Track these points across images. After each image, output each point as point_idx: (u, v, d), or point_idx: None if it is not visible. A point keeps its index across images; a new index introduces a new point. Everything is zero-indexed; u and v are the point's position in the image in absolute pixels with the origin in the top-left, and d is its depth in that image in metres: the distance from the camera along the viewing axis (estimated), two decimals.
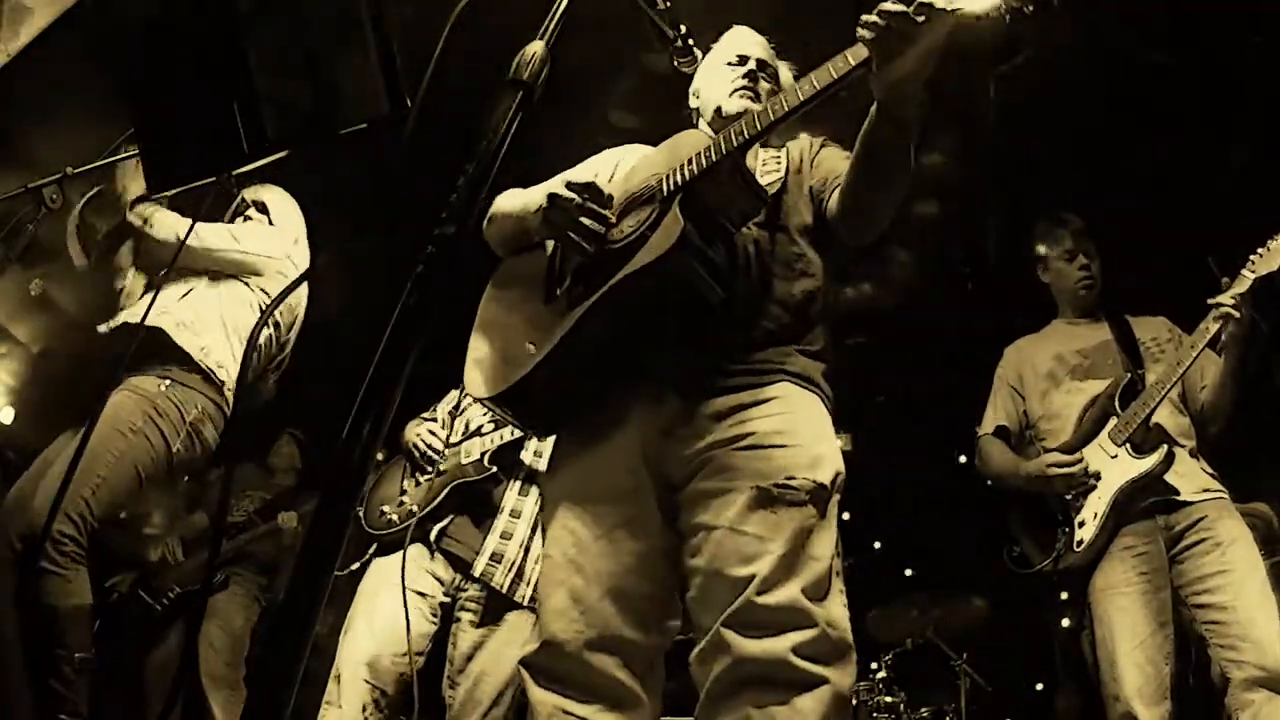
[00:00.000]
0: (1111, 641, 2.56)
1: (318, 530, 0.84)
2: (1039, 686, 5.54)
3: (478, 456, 2.90)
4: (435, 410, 3.19)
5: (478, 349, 1.83)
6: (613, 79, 3.87)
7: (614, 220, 1.68)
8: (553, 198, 1.68)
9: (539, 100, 1.09)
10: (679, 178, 1.64)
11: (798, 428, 1.58)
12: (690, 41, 1.87)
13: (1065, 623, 5.33)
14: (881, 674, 4.04)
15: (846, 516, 1.65)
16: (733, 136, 1.61)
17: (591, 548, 1.63)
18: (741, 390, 1.62)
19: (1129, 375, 2.78)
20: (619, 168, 1.93)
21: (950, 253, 5.10)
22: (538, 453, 2.98)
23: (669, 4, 1.72)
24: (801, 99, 1.53)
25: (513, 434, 2.89)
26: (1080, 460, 2.74)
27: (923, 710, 4.01)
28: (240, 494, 4.31)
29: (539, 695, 1.61)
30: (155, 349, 2.71)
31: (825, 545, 1.52)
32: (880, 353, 5.48)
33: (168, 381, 2.71)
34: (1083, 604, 2.71)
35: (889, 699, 3.94)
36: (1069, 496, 2.75)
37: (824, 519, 1.54)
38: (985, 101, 4.13)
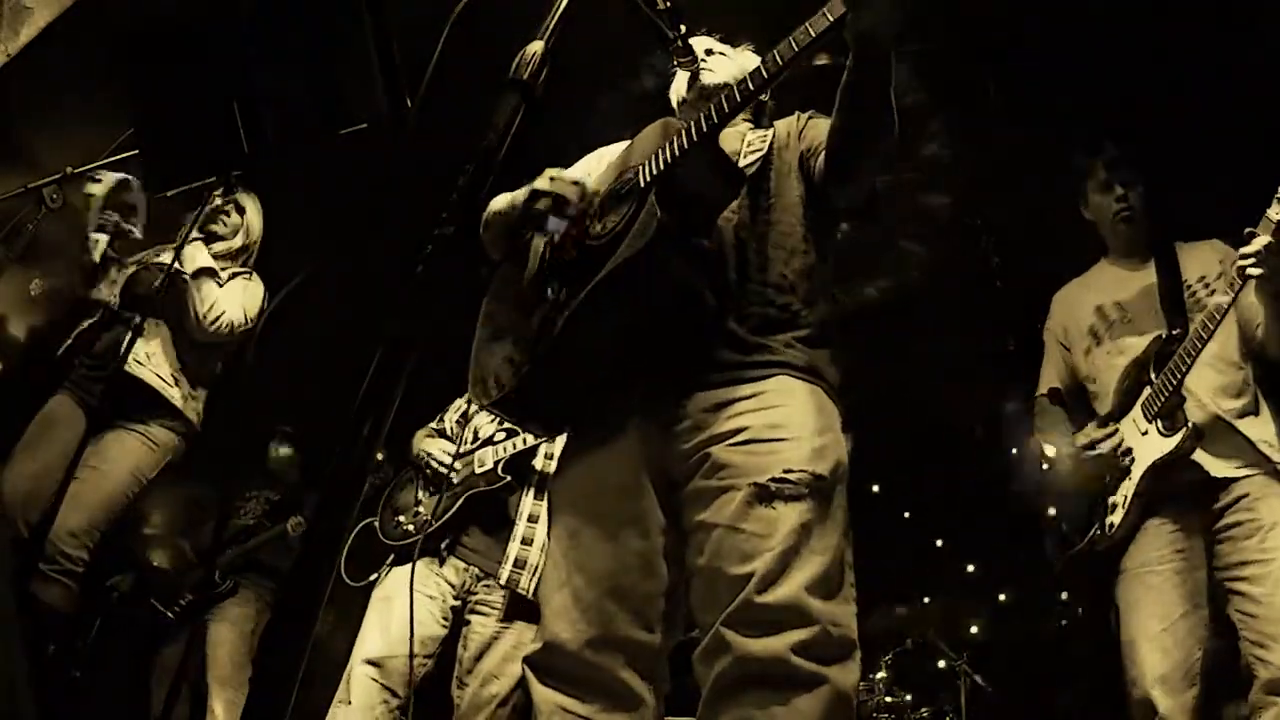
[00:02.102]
0: (1136, 622, 2.41)
1: (317, 531, 0.83)
2: (1039, 687, 5.54)
3: (490, 466, 2.94)
4: (442, 420, 3.22)
5: (478, 356, 1.84)
6: (618, 79, 3.87)
7: (594, 211, 1.70)
8: (534, 192, 1.72)
9: (539, 100, 1.09)
10: (655, 167, 1.63)
11: (795, 421, 1.57)
12: (690, 41, 1.86)
13: (1065, 623, 5.35)
14: (881, 674, 4.05)
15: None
16: (703, 118, 1.60)
17: (593, 547, 1.63)
18: (739, 384, 1.61)
19: (1164, 336, 2.55)
20: (604, 164, 1.94)
21: (951, 253, 5.09)
22: (549, 456, 3.01)
23: (669, 4, 1.71)
24: (781, 63, 1.50)
25: (525, 442, 2.93)
26: (1109, 437, 2.56)
27: (923, 710, 4.01)
28: (245, 496, 4.32)
29: (541, 693, 1.61)
30: (152, 397, 3.06)
31: (829, 540, 1.51)
32: (881, 351, 5.48)
33: (177, 437, 3.12)
34: (1112, 580, 2.53)
35: (889, 699, 3.95)
36: (1106, 479, 2.58)
37: (827, 513, 1.52)
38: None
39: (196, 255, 3.09)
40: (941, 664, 4.35)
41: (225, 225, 3.37)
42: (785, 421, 1.56)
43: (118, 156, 2.71)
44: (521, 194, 1.78)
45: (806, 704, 1.39)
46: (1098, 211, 2.86)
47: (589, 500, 1.67)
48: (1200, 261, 2.66)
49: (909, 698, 3.99)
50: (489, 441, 3.00)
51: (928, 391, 5.66)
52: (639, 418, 1.65)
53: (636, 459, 1.63)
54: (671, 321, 1.62)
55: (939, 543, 6.15)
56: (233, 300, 3.15)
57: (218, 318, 3.09)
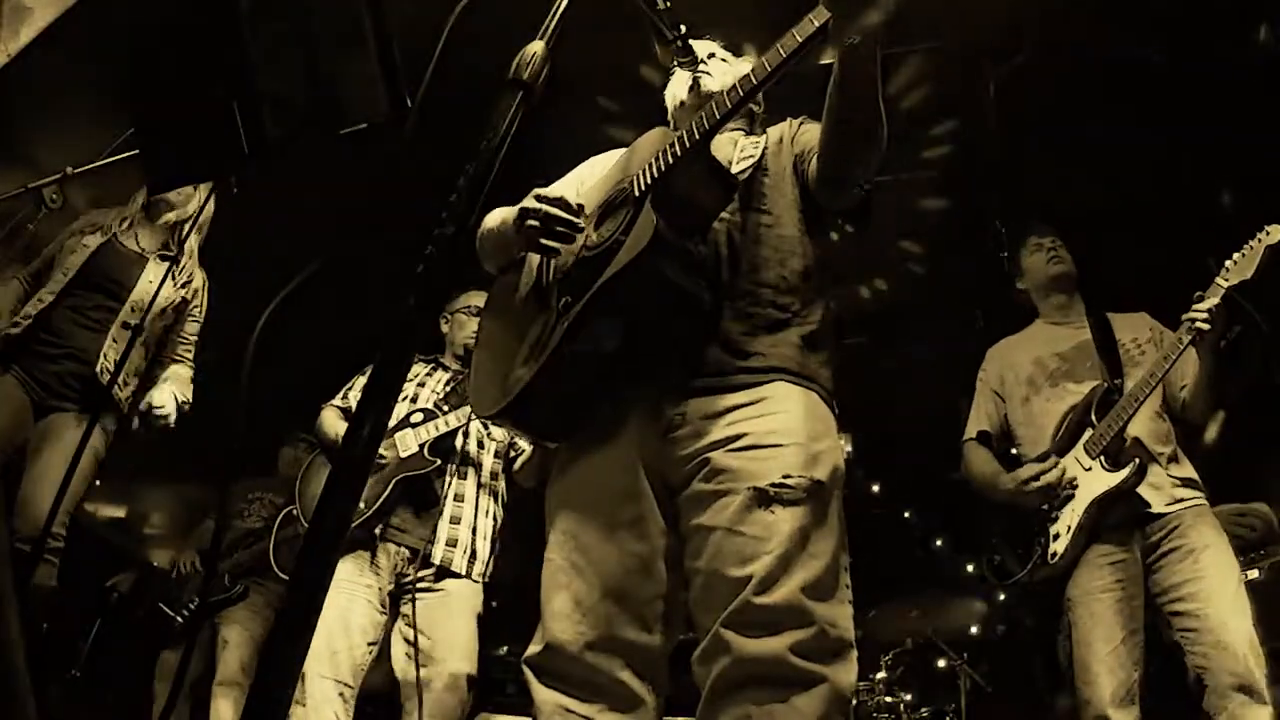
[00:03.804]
0: (1085, 646, 2.60)
1: (317, 531, 0.84)
2: (1039, 687, 5.54)
3: (416, 449, 2.98)
4: (347, 398, 3.24)
5: (479, 366, 1.85)
6: (615, 79, 3.87)
7: (583, 227, 1.71)
8: (523, 210, 1.72)
9: (539, 100, 1.09)
10: (649, 176, 1.64)
11: (794, 427, 1.58)
12: (690, 41, 1.86)
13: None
14: (881, 674, 4.04)
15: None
16: (694, 126, 1.61)
17: (593, 550, 1.63)
18: (737, 390, 1.62)
19: (1105, 385, 2.79)
20: (598, 171, 1.94)
21: (951, 253, 5.09)
22: (466, 434, 3.07)
23: (669, 4, 1.71)
24: (769, 69, 1.51)
25: (448, 424, 3.00)
26: (1056, 468, 2.75)
27: (923, 710, 4.01)
28: (249, 499, 4.31)
29: (542, 694, 1.61)
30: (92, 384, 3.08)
31: (826, 543, 1.52)
32: (880, 352, 5.49)
33: (113, 417, 3.14)
34: (1060, 609, 2.74)
35: (889, 699, 3.94)
36: (1045, 508, 2.77)
37: (824, 517, 1.54)
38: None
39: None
40: (941, 664, 4.35)
41: (179, 193, 3.33)
42: (783, 428, 1.57)
43: (118, 157, 2.71)
44: (512, 213, 1.78)
45: (805, 703, 1.40)
46: (1032, 273, 3.13)
47: (589, 503, 1.67)
48: (1131, 327, 2.94)
49: (909, 698, 3.98)
50: (406, 423, 3.03)
51: (924, 389, 5.67)
52: (637, 422, 1.66)
53: (635, 463, 1.64)
54: (668, 328, 1.63)
55: (939, 541, 6.15)
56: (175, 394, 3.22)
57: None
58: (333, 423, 3.18)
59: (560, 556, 1.67)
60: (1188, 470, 2.73)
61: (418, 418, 3.03)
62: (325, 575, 0.81)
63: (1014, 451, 2.99)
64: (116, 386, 3.10)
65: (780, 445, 1.55)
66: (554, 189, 2.02)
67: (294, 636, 0.78)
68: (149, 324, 3.18)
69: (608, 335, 1.62)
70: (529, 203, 1.72)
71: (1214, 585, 2.50)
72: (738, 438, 1.57)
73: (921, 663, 4.30)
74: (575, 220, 1.69)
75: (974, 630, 4.45)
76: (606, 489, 1.66)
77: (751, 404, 1.60)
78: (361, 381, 3.25)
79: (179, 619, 4.01)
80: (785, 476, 1.51)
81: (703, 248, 1.66)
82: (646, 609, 1.60)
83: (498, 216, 1.87)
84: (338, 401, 3.25)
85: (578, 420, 1.74)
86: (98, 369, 3.01)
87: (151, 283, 3.18)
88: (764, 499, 1.50)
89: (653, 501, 1.63)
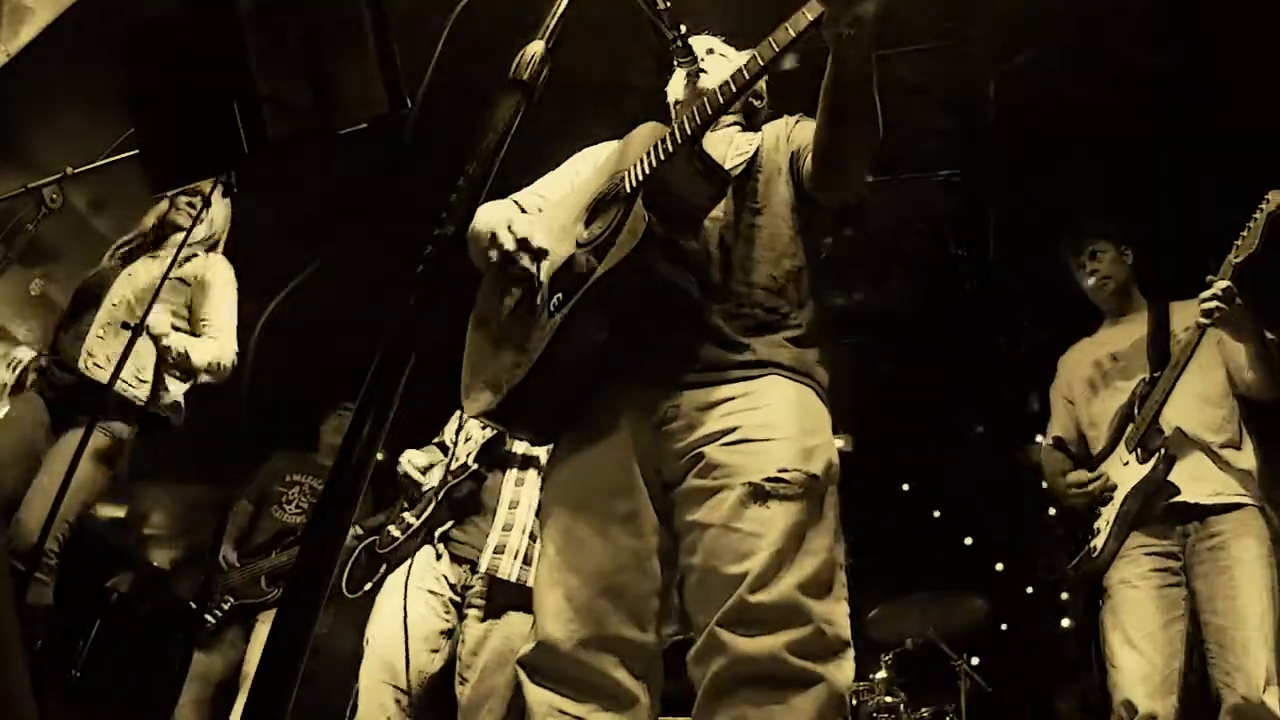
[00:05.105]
0: (1117, 633, 2.62)
1: (317, 530, 0.83)
2: (1040, 687, 5.54)
3: (463, 460, 2.96)
4: (443, 435, 3.23)
5: (469, 365, 1.84)
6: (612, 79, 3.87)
7: (535, 272, 1.72)
8: (492, 237, 1.71)
9: (538, 100, 1.09)
10: (640, 172, 1.64)
11: (788, 421, 1.57)
12: (689, 40, 1.86)
13: (1066, 623, 5.35)
14: (881, 674, 4.04)
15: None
16: (686, 122, 1.61)
17: (586, 546, 1.63)
18: (731, 383, 1.61)
19: (1146, 379, 2.79)
20: (590, 165, 1.94)
21: (951, 251, 5.09)
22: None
23: (669, 4, 1.72)
24: (762, 63, 1.51)
25: (493, 431, 2.96)
26: (1097, 478, 2.80)
27: (923, 710, 4.00)
28: (288, 482, 4.23)
29: (535, 694, 1.60)
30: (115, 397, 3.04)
31: (822, 539, 1.51)
32: (880, 352, 5.49)
33: (130, 430, 3.13)
34: (1100, 597, 2.76)
35: (889, 699, 3.93)
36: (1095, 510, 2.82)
37: (820, 512, 1.53)
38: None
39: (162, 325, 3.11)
40: (942, 664, 4.34)
41: (189, 218, 3.33)
42: (776, 421, 1.57)
43: (118, 156, 2.71)
44: (493, 218, 1.75)
45: (802, 702, 1.39)
46: (1083, 285, 3.13)
47: (582, 500, 1.67)
48: (1187, 313, 2.83)
49: (908, 698, 3.98)
50: (468, 439, 3.04)
51: (925, 392, 5.67)
52: (630, 418, 1.65)
53: (629, 458, 1.63)
54: (659, 325, 1.63)
55: (939, 542, 6.15)
56: (216, 342, 3.19)
57: (218, 364, 3.16)
58: (404, 458, 3.15)
59: (554, 552, 1.67)
60: (1246, 460, 2.68)
61: (476, 432, 3.02)
62: (324, 577, 0.81)
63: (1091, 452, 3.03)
64: (148, 395, 3.11)
65: (774, 439, 1.54)
66: (547, 182, 2.02)
67: (294, 637, 0.78)
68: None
69: (598, 333, 1.61)
70: (503, 234, 1.70)
71: (1246, 605, 2.48)
72: (730, 431, 1.56)
73: (921, 663, 4.29)
74: (530, 270, 1.70)
75: (975, 630, 4.44)
76: (600, 484, 1.65)
77: (744, 397, 1.59)
78: (455, 419, 3.24)
79: (212, 620, 3.93)
80: (781, 470, 1.50)
81: (694, 244, 1.66)
82: (641, 606, 1.59)
83: (484, 218, 1.84)
84: (434, 441, 3.23)
85: (570, 419, 1.74)
86: (81, 365, 3.01)
87: (130, 276, 3.20)
88: (759, 494, 1.49)
89: (646, 497, 1.62)
